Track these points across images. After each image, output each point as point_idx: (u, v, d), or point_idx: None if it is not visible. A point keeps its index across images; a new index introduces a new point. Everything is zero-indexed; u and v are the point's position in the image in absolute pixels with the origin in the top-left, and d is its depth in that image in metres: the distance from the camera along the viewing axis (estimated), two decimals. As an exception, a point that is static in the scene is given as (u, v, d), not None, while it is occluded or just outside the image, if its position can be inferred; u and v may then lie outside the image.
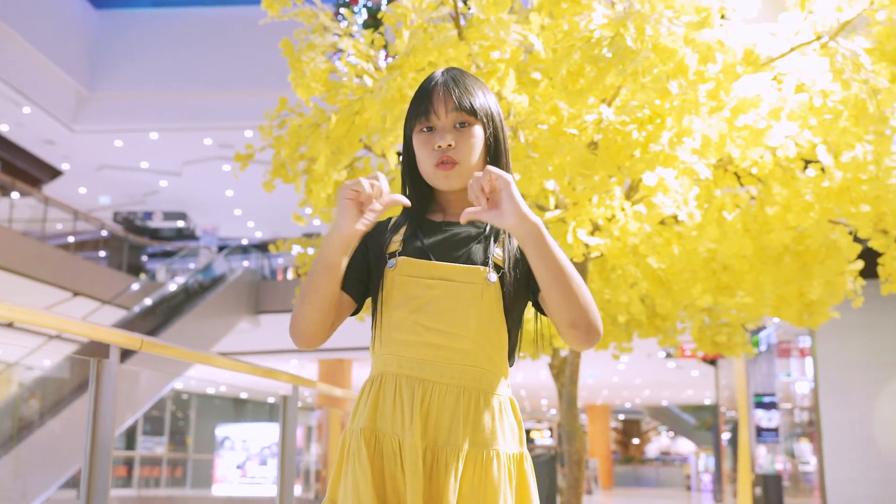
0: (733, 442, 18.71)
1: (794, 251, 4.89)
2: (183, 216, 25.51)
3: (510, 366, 1.84)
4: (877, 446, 12.38)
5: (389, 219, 1.96)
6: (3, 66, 18.03)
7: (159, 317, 17.99)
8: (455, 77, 1.87)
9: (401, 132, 3.64)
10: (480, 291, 1.77)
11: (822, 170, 4.29)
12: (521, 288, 1.82)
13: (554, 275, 1.68)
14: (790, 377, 15.33)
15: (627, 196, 4.49)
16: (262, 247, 22.41)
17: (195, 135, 21.26)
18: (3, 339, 17.56)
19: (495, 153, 1.88)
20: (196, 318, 18.09)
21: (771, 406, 15.73)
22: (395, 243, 1.86)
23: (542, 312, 1.85)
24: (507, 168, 1.89)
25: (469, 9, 3.59)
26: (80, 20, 21.09)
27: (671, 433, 43.47)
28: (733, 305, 5.86)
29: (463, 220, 1.68)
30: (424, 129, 1.85)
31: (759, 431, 15.76)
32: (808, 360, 14.04)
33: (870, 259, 5.28)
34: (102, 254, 21.16)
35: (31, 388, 14.38)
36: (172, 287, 19.12)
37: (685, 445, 41.46)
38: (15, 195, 19.50)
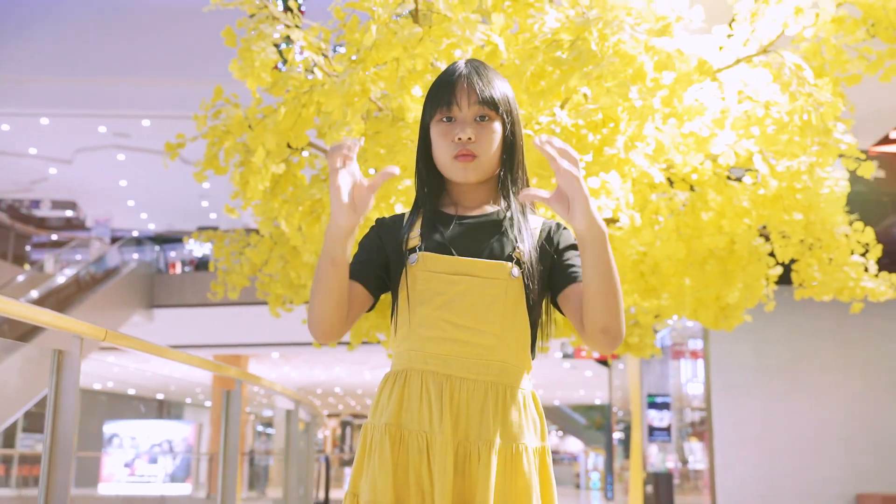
0: (625, 441, 19.23)
1: (718, 256, 5.08)
2: (73, 205, 24.59)
3: (532, 359, 1.85)
4: (765, 445, 12.94)
5: (402, 214, 1.95)
6: None
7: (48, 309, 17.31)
8: (479, 69, 1.87)
9: (354, 126, 3.63)
10: (504, 287, 1.77)
11: (758, 178, 4.47)
12: (542, 283, 1.83)
13: (605, 284, 1.68)
14: (683, 378, 15.85)
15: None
16: (157, 239, 21.82)
17: (89, 122, 20.54)
18: None
19: (511, 149, 1.87)
20: (87, 311, 17.50)
21: (663, 406, 16.24)
22: (414, 238, 1.84)
23: (559, 309, 1.87)
24: (521, 164, 1.90)
25: (430, 6, 3.60)
26: (-34, -3, 20.10)
27: (560, 432, 44.32)
28: (653, 308, 6.03)
29: (522, 199, 1.67)
30: (444, 120, 1.84)
31: (652, 431, 16.24)
32: (700, 362, 14.54)
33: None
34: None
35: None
36: (61, 279, 18.45)
37: (574, 444, 42.33)
38: None
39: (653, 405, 16.42)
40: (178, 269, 22.57)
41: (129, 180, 23.52)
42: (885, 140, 8.94)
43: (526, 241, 1.82)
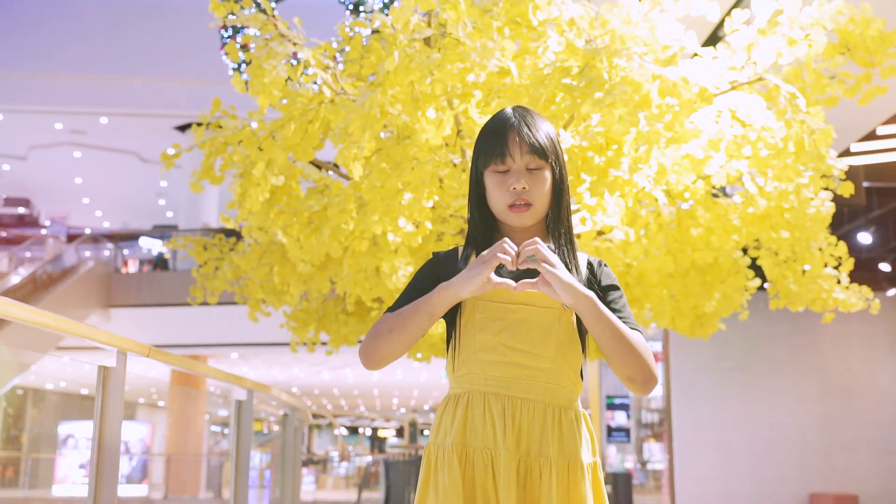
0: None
1: (699, 268, 5.29)
2: (26, 203, 24.21)
3: (582, 381, 2.02)
4: (722, 446, 13.28)
5: (457, 248, 2.09)
6: None
7: (2, 309, 17.02)
8: (526, 118, 2.01)
9: (366, 145, 3.74)
10: (558, 315, 1.94)
11: (746, 197, 4.68)
12: None
13: (610, 341, 1.87)
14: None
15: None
16: (114, 237, 21.57)
17: (45, 118, 20.30)
18: None
19: (559, 192, 2.02)
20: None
21: (622, 407, 16.53)
22: None
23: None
24: (566, 202, 2.04)
25: (444, 30, 3.72)
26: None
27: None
28: (636, 316, 6.23)
29: (518, 290, 1.84)
30: (499, 171, 1.99)
31: (611, 431, 16.53)
32: (660, 365, 14.85)
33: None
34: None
35: None
36: (16, 278, 18.19)
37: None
38: None
39: (612, 406, 16.71)
40: (133, 268, 22.34)
41: (84, 177, 23.28)
42: (846, 153, 9.29)
43: (574, 274, 1.97)
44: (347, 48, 4.24)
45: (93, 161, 22.13)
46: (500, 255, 1.82)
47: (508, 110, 2.03)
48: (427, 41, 3.86)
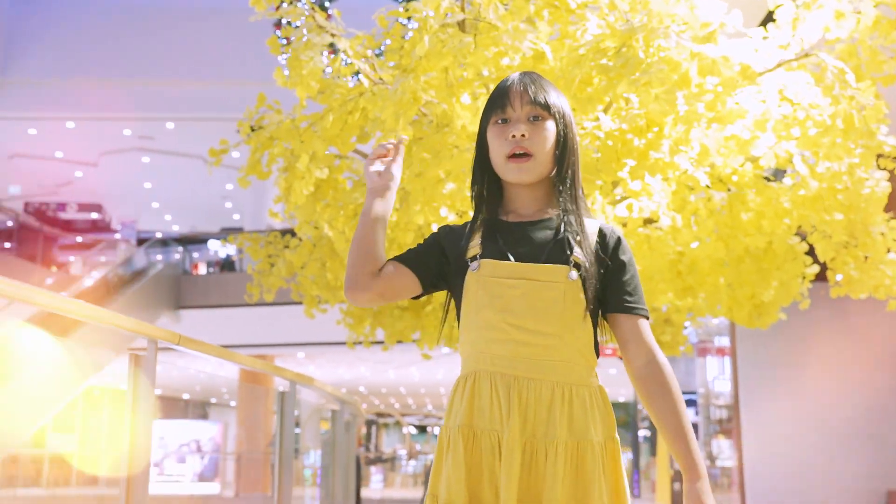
0: (651, 439, 19.25)
1: (754, 255, 5.14)
2: (98, 208, 24.84)
3: (596, 357, 1.93)
4: (794, 441, 12.93)
5: (465, 224, 2.03)
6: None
7: (77, 311, 17.47)
8: (531, 77, 1.97)
9: (404, 132, 3.72)
10: (563, 290, 1.85)
11: (798, 179, 4.53)
12: (600, 286, 1.90)
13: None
14: (709, 375, 15.84)
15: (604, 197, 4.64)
16: (182, 240, 22.00)
17: (114, 125, 20.76)
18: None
19: (563, 149, 1.95)
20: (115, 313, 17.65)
21: (690, 403, 16.24)
22: (474, 247, 1.94)
23: (605, 319, 1.95)
24: (574, 166, 1.97)
25: (477, 16, 3.68)
26: (-7, 3, 20.35)
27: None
28: (688, 306, 6.08)
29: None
30: (499, 122, 1.94)
31: (678, 428, 16.22)
32: (727, 360, 14.53)
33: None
34: (13, 245, 20.47)
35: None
36: (89, 281, 18.64)
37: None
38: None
39: (679, 403, 16.41)
40: (202, 271, 22.73)
41: (153, 182, 23.77)
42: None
43: (583, 243, 1.90)
44: (386, 39, 4.22)
45: (161, 166, 22.58)
46: (377, 153, 1.95)
47: (515, 74, 1.99)
48: (462, 26, 3.82)
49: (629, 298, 1.91)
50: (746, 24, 4.47)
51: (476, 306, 1.89)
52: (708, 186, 4.62)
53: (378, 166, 1.98)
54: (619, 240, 1.95)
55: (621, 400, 33.00)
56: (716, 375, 15.55)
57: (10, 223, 20.68)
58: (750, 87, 3.85)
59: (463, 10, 3.73)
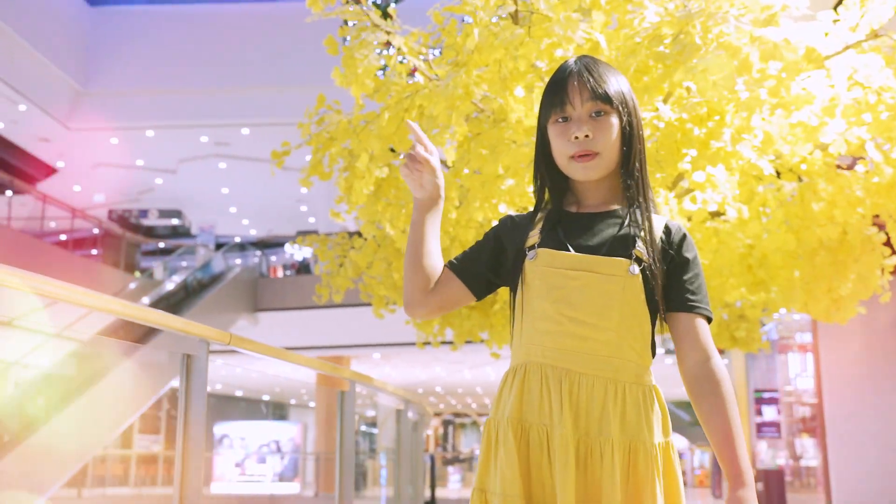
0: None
1: (829, 247, 4.95)
2: (178, 214, 25.42)
3: (653, 356, 1.85)
4: (881, 439, 12.49)
5: (529, 213, 1.97)
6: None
7: (158, 315, 17.90)
8: (588, 65, 1.86)
9: (458, 129, 3.68)
10: (622, 284, 1.78)
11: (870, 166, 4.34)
12: (662, 283, 1.82)
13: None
14: (792, 373, 15.44)
15: (668, 190, 4.52)
16: (259, 244, 22.37)
17: (191, 132, 21.20)
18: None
19: (630, 141, 1.86)
20: (195, 316, 18.03)
21: (772, 401, 15.84)
22: (534, 236, 1.88)
23: (664, 318, 1.87)
24: (641, 154, 1.88)
25: (529, 7, 3.62)
26: (75, 17, 20.96)
27: (663, 429, 43.50)
28: (762, 301, 5.91)
29: None
30: (560, 120, 1.85)
31: (760, 427, 15.87)
32: (809, 356, 14.13)
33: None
34: (99, 251, 21.09)
35: (37, 385, 14.31)
36: (170, 285, 19.08)
37: (679, 441, 41.58)
38: (10, 193, 19.41)
39: (760, 400, 16.04)
40: (280, 274, 23.06)
41: (230, 188, 24.20)
42: None
43: (647, 238, 1.82)
44: (443, 36, 4.18)
45: (237, 171, 22.98)
46: (409, 166, 1.87)
47: (571, 60, 1.89)
48: (515, 18, 3.76)
49: (691, 297, 1.83)
50: (815, 6, 4.30)
51: (531, 296, 1.83)
52: (777, 175, 4.46)
53: (415, 178, 1.90)
54: (684, 236, 1.87)
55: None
56: (798, 373, 15.14)
57: (95, 230, 21.31)
58: (818, 72, 3.71)
59: (515, 2, 3.67)
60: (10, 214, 18.44)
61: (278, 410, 34.22)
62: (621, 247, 1.81)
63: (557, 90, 1.86)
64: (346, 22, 4.77)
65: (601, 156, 1.82)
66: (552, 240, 1.85)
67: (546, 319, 1.80)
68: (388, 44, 4.13)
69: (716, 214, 4.76)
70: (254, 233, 27.77)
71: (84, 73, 20.92)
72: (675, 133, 3.53)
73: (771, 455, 15.75)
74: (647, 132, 3.61)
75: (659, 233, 1.86)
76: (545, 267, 1.82)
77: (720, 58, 3.14)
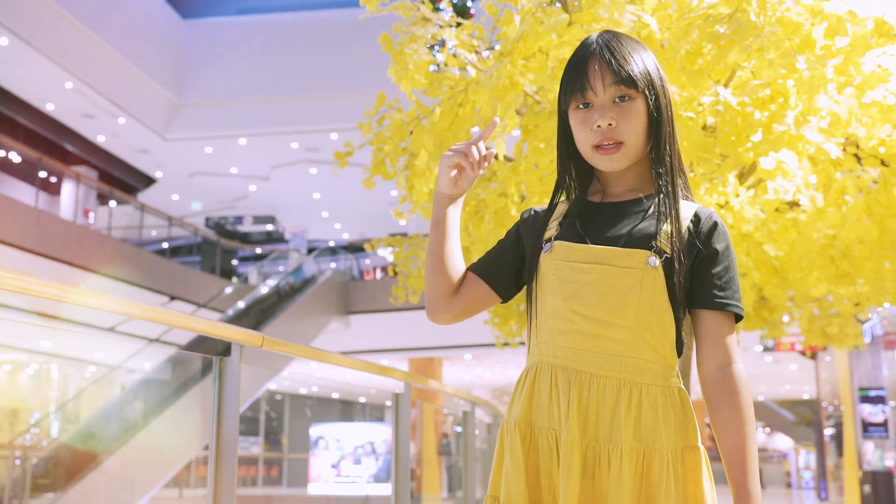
0: (837, 437, 18.12)
1: (919, 235, 4.64)
2: (272, 219, 25.93)
3: (679, 355, 1.69)
4: None
5: (552, 204, 1.84)
6: (100, 79, 18.58)
7: (252, 319, 18.28)
8: (610, 44, 1.71)
9: (509, 122, 3.57)
10: (640, 277, 1.63)
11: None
12: (688, 277, 1.68)
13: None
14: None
15: (740, 180, 4.31)
16: (350, 248, 22.59)
17: (282, 139, 21.56)
18: (106, 344, 18.09)
19: (658, 125, 1.71)
20: (288, 320, 18.32)
21: (878, 400, 15.16)
22: (552, 228, 1.76)
23: (690, 314, 1.73)
24: (671, 138, 1.72)
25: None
26: (169, 31, 21.60)
27: (767, 429, 42.39)
28: (850, 294, 5.60)
29: None
30: (581, 107, 1.71)
31: (866, 426, 15.20)
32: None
33: None
34: (196, 258, 21.65)
35: (135, 390, 14.75)
36: (264, 290, 19.42)
37: (783, 442, 40.37)
38: (112, 203, 20.10)
39: (866, 399, 15.36)
40: (376, 276, 23.23)
41: (321, 192, 24.53)
42: None
43: (672, 228, 1.67)
44: (497, 28, 4.07)
45: (328, 176, 23.27)
46: (460, 159, 1.72)
47: (592, 36, 1.75)
48: (565, 5, 3.62)
49: (718, 294, 1.67)
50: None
51: (545, 292, 1.71)
52: (859, 160, 4.20)
53: (461, 173, 1.76)
54: (714, 225, 1.70)
55: (806, 397, 31.33)
56: (906, 370, 14.46)
57: (194, 237, 21.90)
58: (892, 48, 3.45)
59: (562, -12, 3.54)
60: (111, 224, 19.09)
61: (375, 412, 34.54)
62: (642, 237, 1.67)
63: (577, 73, 1.71)
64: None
65: (626, 145, 1.68)
66: (570, 232, 1.73)
67: (558, 317, 1.67)
68: (440, 38, 4.04)
69: (792, 204, 4.52)
70: (346, 236, 28.12)
71: (179, 86, 21.54)
72: (735, 118, 3.34)
73: (878, 456, 15.06)
74: (709, 119, 3.43)
75: (687, 222, 1.70)
76: (559, 261, 1.70)
77: (776, 34, 2.94)
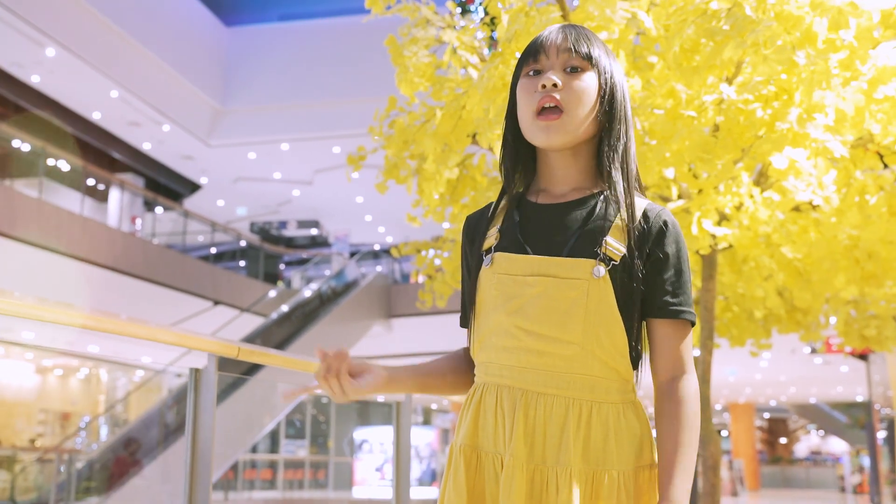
0: (890, 441, 17.66)
1: (949, 235, 4.45)
2: (316, 224, 26.07)
3: (634, 368, 1.60)
4: None
5: (490, 205, 1.73)
6: (144, 87, 18.85)
7: (295, 323, 18.38)
8: (574, 27, 1.65)
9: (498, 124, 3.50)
10: (586, 289, 1.53)
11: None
12: (639, 283, 1.57)
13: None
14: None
15: (757, 182, 4.18)
16: (390, 251, 22.63)
17: (324, 143, 21.66)
18: (148, 349, 18.36)
19: (610, 113, 1.61)
20: (331, 324, 18.39)
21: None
22: (491, 237, 1.65)
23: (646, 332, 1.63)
24: (624, 134, 1.61)
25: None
26: (212, 38, 21.85)
27: (821, 432, 41.57)
28: (882, 296, 5.42)
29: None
30: (531, 73, 1.62)
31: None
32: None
33: None
34: (241, 263, 21.85)
35: (176, 395, 14.91)
36: (307, 293, 19.52)
37: (837, 445, 39.57)
38: (158, 210, 20.38)
39: (918, 402, 14.94)
40: (420, 279, 23.22)
41: (364, 196, 24.60)
42: None
43: (620, 230, 1.56)
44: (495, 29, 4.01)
45: (370, 180, 23.31)
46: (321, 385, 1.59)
47: (556, 24, 1.72)
48: (561, 2, 3.53)
49: (671, 300, 1.56)
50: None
51: (487, 308, 1.61)
52: (880, 157, 4.04)
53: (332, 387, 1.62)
54: (664, 224, 1.57)
55: (859, 399, 30.62)
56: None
57: (241, 242, 22.12)
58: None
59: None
60: (156, 230, 19.36)
61: (423, 415, 34.53)
62: (587, 244, 1.55)
63: (533, 44, 1.64)
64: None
65: (567, 115, 1.56)
66: (510, 240, 1.61)
67: (503, 334, 1.58)
68: (442, 39, 3.98)
69: (814, 205, 4.37)
70: (390, 240, 28.16)
71: (222, 92, 21.78)
72: (738, 116, 3.23)
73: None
74: (706, 116, 3.32)
75: (637, 221, 1.58)
76: (501, 274, 1.59)
77: (771, 29, 2.82)
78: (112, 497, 12.43)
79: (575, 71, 1.59)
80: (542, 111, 1.58)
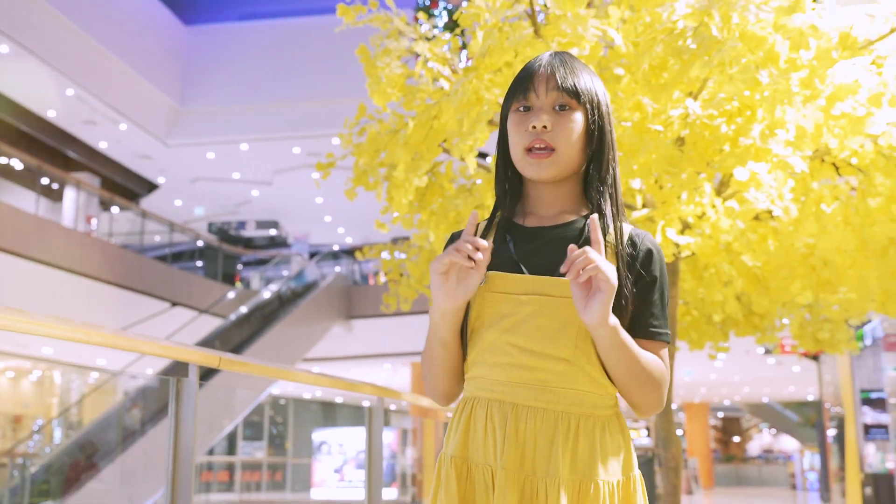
0: (839, 439, 18.05)
1: (898, 243, 4.63)
2: (275, 224, 25.94)
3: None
4: None
5: (479, 224, 1.80)
6: (101, 85, 18.61)
7: (255, 324, 18.30)
8: (563, 58, 1.72)
9: (479, 135, 3.56)
10: None
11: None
12: (628, 298, 1.66)
13: (625, 372, 1.62)
14: (899, 372, 14.67)
15: (718, 192, 4.31)
16: (352, 252, 22.59)
17: (284, 144, 21.56)
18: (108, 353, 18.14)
19: (599, 146, 1.71)
20: (290, 325, 18.34)
21: (879, 402, 15.10)
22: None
23: None
24: (611, 164, 1.72)
25: (547, 7, 3.48)
26: (170, 37, 21.64)
27: (773, 430, 42.28)
28: (835, 301, 5.59)
29: (563, 269, 1.55)
30: (521, 109, 1.71)
31: (868, 429, 15.15)
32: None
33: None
34: (199, 264, 21.68)
35: (133, 397, 14.78)
36: (266, 294, 19.44)
37: (788, 443, 40.29)
38: (114, 209, 20.15)
39: (867, 401, 15.31)
40: (380, 280, 23.20)
41: (324, 197, 24.53)
42: None
43: (610, 252, 1.66)
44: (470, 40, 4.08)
45: (330, 181, 23.24)
46: (454, 258, 1.57)
47: (546, 53, 1.76)
48: (533, 20, 3.61)
49: (654, 322, 1.67)
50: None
51: (480, 325, 1.68)
52: (836, 169, 4.18)
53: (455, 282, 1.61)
54: (650, 251, 1.69)
55: (810, 399, 31.25)
56: (907, 372, 14.37)
57: (199, 243, 21.95)
58: (863, 59, 3.44)
59: (530, 3, 3.52)
60: (113, 230, 19.15)
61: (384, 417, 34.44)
62: None
63: (523, 78, 1.72)
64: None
65: (558, 153, 1.66)
66: (503, 260, 1.69)
67: (496, 351, 1.65)
68: (412, 51, 4.04)
69: (772, 215, 4.51)
70: (349, 241, 28.11)
71: (180, 91, 21.58)
72: (703, 131, 3.34)
73: (879, 458, 15.00)
74: (673, 131, 3.42)
75: (624, 245, 1.69)
76: (495, 293, 1.67)
77: (736, 49, 2.94)
78: (68, 501, 12.30)
79: (564, 109, 1.68)
80: (532, 149, 1.68)
